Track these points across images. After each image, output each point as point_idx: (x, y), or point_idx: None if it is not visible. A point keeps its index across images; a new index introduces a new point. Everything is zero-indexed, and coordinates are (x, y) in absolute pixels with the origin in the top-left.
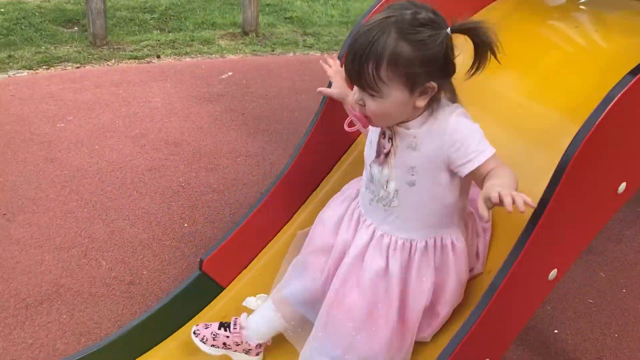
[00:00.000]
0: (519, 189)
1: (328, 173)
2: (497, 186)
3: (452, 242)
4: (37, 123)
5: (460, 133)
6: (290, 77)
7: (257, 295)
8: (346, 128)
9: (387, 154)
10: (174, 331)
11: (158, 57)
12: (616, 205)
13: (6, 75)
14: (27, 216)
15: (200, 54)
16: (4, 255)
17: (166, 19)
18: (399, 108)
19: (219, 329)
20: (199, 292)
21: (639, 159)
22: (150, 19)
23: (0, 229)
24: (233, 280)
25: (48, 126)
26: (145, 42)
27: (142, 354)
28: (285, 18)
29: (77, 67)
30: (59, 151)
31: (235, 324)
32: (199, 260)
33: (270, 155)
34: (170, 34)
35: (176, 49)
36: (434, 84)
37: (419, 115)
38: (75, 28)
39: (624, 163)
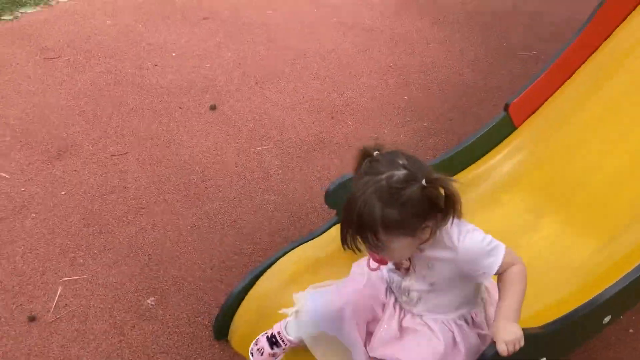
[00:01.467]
0: None
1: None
2: (501, 329)
3: (472, 317)
4: (249, 11)
5: (470, 252)
6: None
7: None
8: (369, 268)
9: (407, 269)
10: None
11: None
12: None
13: None
14: (274, 85)
15: None
16: (271, 113)
17: None
18: (407, 248)
19: (272, 348)
20: (497, 131)
21: None
22: None
23: (258, 93)
24: (525, 121)
25: (261, 14)
26: None
27: None
28: None
29: None
30: (276, 34)
31: (282, 340)
32: (504, 103)
33: (458, 42)
34: None
35: None
36: (431, 222)
37: (429, 239)
38: None
39: None
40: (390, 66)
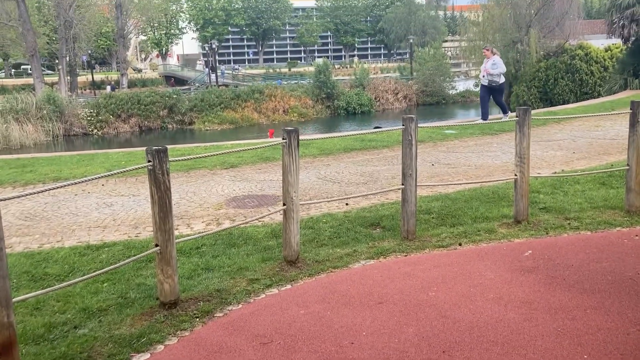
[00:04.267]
0: None
1: None
2: None
3: None
4: (414, 293)
5: None
6: (580, 251)
7: None
8: None
9: None
10: None
11: (460, 244)
12: None
13: (361, 264)
14: (460, 352)
15: (490, 240)
16: None
17: (442, 217)
18: None
19: None
20: None
21: None
22: (431, 218)
23: None
24: None
25: (423, 294)
26: (443, 235)
27: None
28: (540, 209)
29: (405, 256)
30: (445, 311)
31: None
32: None
33: (612, 306)
34: (455, 227)
35: (469, 237)
36: None
37: None
38: (378, 229)
39: None
40: (558, 331)
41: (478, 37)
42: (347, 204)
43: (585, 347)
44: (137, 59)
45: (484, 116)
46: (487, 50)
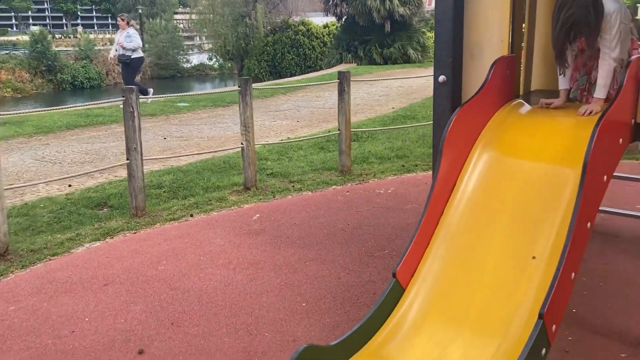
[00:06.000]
0: None
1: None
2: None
3: None
4: (144, 269)
5: None
6: (302, 210)
7: None
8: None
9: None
10: (373, 334)
11: (191, 215)
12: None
13: (85, 247)
14: (189, 321)
15: (221, 208)
16: (195, 343)
17: (174, 190)
18: None
19: None
20: (390, 298)
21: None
22: (163, 193)
23: (177, 332)
24: (410, 281)
25: (153, 269)
26: (174, 208)
27: (355, 353)
28: (268, 174)
29: (134, 233)
30: (175, 282)
31: None
32: (392, 272)
33: (327, 255)
34: (187, 199)
35: (200, 208)
36: None
37: None
38: (105, 209)
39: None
40: (282, 285)
41: (208, 11)
42: (70, 185)
43: (304, 295)
44: None
45: (143, 92)
46: (122, 20)
